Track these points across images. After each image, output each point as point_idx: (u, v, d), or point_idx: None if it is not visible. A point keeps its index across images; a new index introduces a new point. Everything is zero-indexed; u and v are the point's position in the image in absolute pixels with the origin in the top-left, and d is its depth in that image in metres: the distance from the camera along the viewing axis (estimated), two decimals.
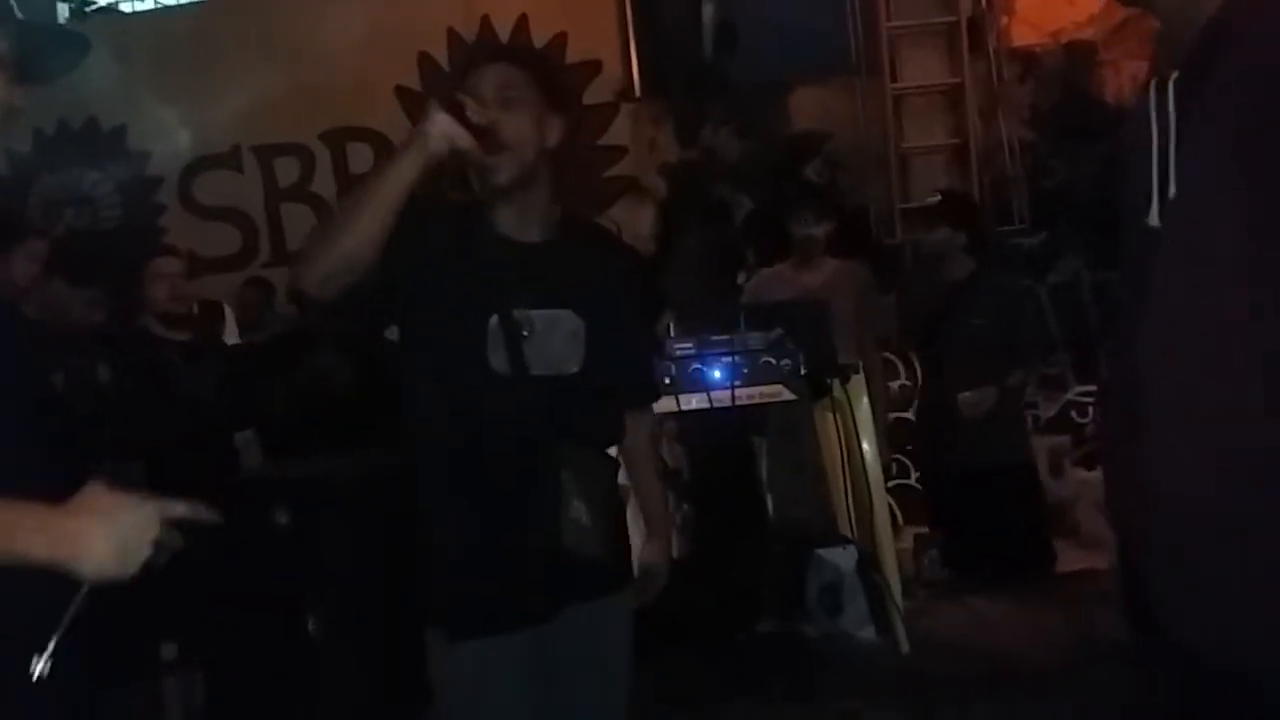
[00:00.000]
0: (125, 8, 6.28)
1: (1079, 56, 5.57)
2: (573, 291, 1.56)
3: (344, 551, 2.71)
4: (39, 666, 1.00)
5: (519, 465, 1.52)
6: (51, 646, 1.00)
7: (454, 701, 1.57)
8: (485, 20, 5.46)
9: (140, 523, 1.02)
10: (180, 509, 1.05)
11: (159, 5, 6.22)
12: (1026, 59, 5.73)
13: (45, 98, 1.26)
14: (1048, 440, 4.23)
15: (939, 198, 3.96)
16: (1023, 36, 5.82)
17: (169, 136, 5.34)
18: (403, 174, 1.44)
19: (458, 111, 1.45)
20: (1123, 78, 5.50)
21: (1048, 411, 4.21)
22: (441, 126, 1.44)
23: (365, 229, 1.44)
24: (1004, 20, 5.81)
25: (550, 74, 1.67)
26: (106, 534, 1.00)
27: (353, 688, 2.65)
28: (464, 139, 1.45)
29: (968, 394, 3.58)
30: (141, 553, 1.02)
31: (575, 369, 1.55)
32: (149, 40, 5.57)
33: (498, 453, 1.52)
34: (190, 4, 6.28)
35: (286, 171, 5.58)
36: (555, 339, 1.54)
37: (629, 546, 1.70)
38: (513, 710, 1.54)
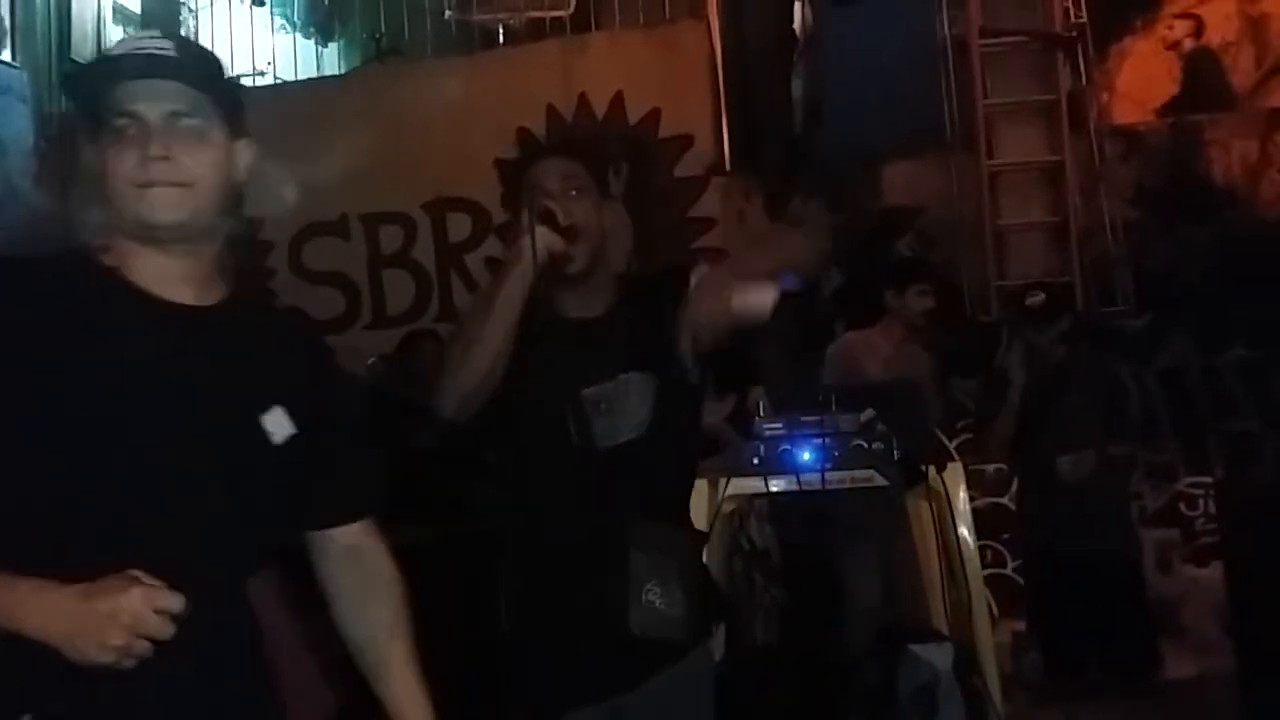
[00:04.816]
0: (245, 82, 6.64)
1: (1185, 135, 5.42)
2: (641, 352, 1.63)
3: (426, 621, 2.71)
4: None
5: (594, 547, 1.57)
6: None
7: None
8: (582, 97, 5.61)
9: (104, 613, 0.99)
10: (164, 599, 1.01)
11: (276, 81, 6.57)
12: (1130, 137, 5.60)
13: None
14: (1155, 533, 4.02)
15: (1042, 297, 3.80)
16: (1125, 114, 5.70)
17: (281, 204, 5.57)
18: (519, 290, 1.55)
19: (551, 221, 1.56)
20: (1231, 157, 5.33)
21: (1155, 503, 4.01)
22: (544, 240, 1.56)
23: (496, 348, 1.55)
24: (1104, 97, 5.71)
25: (601, 162, 1.80)
26: (70, 617, 0.99)
27: None
28: (558, 244, 1.57)
29: (1067, 457, 3.47)
30: (94, 643, 0.99)
31: (646, 429, 1.61)
32: (265, 113, 5.86)
33: (573, 533, 1.58)
34: (303, 81, 6.62)
35: (390, 239, 5.78)
36: (629, 406, 1.61)
37: (712, 592, 1.75)
38: None
